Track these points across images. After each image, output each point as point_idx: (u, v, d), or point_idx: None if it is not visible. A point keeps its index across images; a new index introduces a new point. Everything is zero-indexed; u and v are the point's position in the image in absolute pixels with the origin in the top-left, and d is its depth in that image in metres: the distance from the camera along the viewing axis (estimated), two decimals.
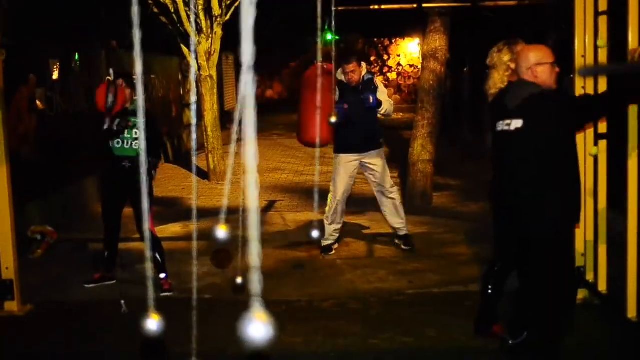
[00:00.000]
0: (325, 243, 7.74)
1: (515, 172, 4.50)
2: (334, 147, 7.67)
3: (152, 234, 6.59)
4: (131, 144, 6.44)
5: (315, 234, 2.18)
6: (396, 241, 7.96)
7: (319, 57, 3.62)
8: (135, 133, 6.41)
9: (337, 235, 7.83)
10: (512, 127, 4.39)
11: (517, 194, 4.49)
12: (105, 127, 6.34)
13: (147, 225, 1.89)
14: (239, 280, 3.91)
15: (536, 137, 4.35)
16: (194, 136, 17.88)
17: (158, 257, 6.57)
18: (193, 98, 18.41)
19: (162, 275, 6.58)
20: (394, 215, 7.80)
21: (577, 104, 4.77)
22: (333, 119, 5.33)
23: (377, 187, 7.73)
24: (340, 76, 7.53)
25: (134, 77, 7.03)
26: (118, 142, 6.46)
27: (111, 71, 6.70)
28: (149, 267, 6.43)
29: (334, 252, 7.77)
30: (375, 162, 7.63)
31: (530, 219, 4.45)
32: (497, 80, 4.86)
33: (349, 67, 7.46)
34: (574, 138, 4.48)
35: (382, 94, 7.48)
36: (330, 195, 7.69)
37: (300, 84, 7.64)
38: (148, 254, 6.53)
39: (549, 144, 4.33)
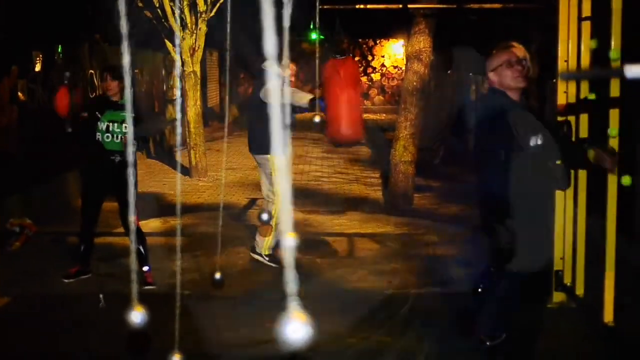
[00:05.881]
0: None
1: (483, 179, 4.51)
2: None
3: (137, 227, 6.55)
4: (121, 138, 6.38)
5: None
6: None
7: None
8: (125, 127, 6.36)
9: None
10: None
11: (486, 201, 4.51)
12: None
13: (132, 217, 1.89)
14: (218, 275, 3.91)
15: (485, 152, 4.31)
16: (177, 132, 17.83)
17: (142, 249, 6.53)
18: (177, 94, 18.36)
19: (145, 268, 6.54)
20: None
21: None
22: (317, 119, 5.20)
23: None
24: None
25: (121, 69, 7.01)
26: (108, 137, 6.40)
27: (67, 74, 6.67)
28: (130, 261, 6.39)
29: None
30: (263, 165, 7.07)
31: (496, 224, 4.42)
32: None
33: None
34: (536, 165, 4.09)
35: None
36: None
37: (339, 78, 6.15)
38: (132, 246, 6.50)
39: (496, 160, 4.15)
